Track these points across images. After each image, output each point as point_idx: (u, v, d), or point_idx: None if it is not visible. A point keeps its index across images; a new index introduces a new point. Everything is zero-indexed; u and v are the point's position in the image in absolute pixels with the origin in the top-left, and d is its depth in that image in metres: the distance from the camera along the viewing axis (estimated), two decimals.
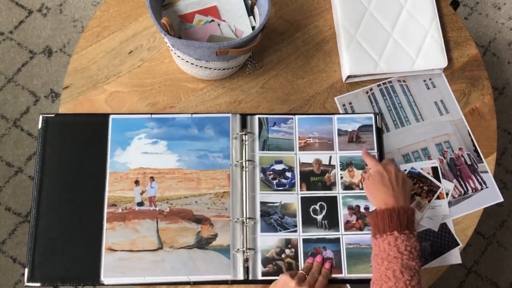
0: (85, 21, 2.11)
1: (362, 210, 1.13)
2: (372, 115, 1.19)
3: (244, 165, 1.14)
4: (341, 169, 1.16)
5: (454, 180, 1.18)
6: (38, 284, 1.08)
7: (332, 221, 1.12)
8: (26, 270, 1.08)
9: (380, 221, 1.01)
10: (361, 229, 1.12)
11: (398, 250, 0.97)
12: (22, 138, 1.99)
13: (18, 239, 1.90)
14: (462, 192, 1.18)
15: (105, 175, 1.13)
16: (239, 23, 1.18)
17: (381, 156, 1.17)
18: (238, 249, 1.09)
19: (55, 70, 2.06)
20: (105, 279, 1.07)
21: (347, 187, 1.14)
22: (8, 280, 1.87)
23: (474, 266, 1.96)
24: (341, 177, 1.15)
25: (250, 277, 1.08)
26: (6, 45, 2.08)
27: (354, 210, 1.13)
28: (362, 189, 1.14)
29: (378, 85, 1.25)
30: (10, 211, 1.92)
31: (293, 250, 1.10)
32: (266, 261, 1.09)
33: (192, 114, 1.17)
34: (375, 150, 1.17)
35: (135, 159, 1.14)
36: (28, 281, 1.07)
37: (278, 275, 1.05)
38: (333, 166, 1.16)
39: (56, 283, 1.08)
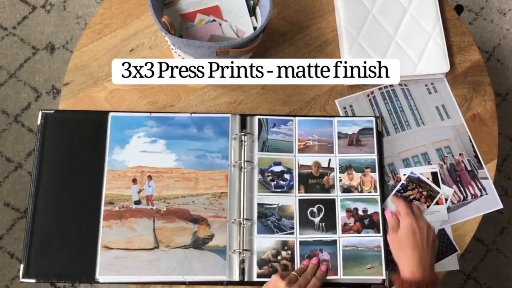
0: (88, 18, 2.11)
1: (360, 212, 1.12)
2: (372, 118, 1.19)
3: (242, 166, 1.13)
4: (340, 172, 1.15)
5: (454, 186, 1.18)
6: (33, 280, 1.07)
7: (329, 224, 1.12)
8: (22, 266, 1.07)
9: None
10: (358, 231, 1.11)
11: None
12: (22, 133, 1.99)
13: (16, 234, 1.90)
14: (462, 198, 1.17)
15: (103, 172, 1.12)
16: (241, 23, 1.17)
17: (381, 160, 1.16)
18: (234, 250, 1.08)
19: (57, 66, 2.06)
20: (100, 277, 1.07)
21: (346, 189, 1.14)
22: (5, 276, 1.87)
23: (473, 273, 1.95)
24: (340, 180, 1.15)
25: (246, 279, 1.08)
26: (9, 41, 2.08)
27: (352, 212, 1.12)
28: (360, 191, 1.14)
29: (379, 89, 1.24)
30: (9, 206, 1.93)
31: (289, 252, 1.10)
32: (262, 263, 1.09)
33: (191, 113, 1.17)
34: (375, 154, 1.16)
35: (133, 157, 1.13)
36: (24, 277, 1.07)
37: None
38: (332, 169, 1.15)
39: (52, 279, 1.08)
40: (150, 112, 1.17)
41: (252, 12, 1.18)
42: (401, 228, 1.05)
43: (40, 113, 1.16)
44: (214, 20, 1.17)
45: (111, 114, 1.16)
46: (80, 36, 1.26)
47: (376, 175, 1.15)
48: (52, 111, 1.16)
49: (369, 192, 1.13)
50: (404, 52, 1.24)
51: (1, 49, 2.07)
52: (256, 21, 1.18)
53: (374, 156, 1.16)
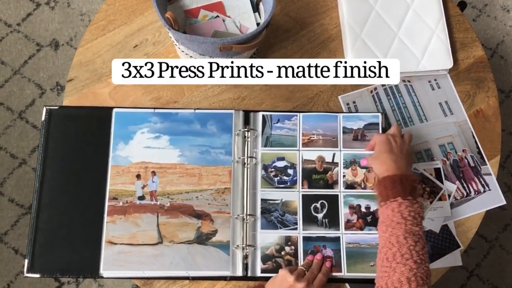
0: (92, 14, 2.12)
1: (363, 209, 1.13)
2: (379, 114, 1.19)
3: (246, 161, 1.14)
4: (344, 167, 1.15)
5: (457, 182, 1.18)
6: (37, 275, 1.08)
7: (332, 220, 1.12)
8: (26, 261, 1.08)
9: (383, 188, 1.01)
10: (361, 228, 1.11)
11: (401, 215, 0.96)
12: (26, 130, 2.00)
13: (20, 230, 1.91)
14: (465, 194, 1.17)
15: (107, 168, 1.13)
16: (244, 19, 1.18)
17: None
18: (237, 246, 1.09)
19: (61, 63, 2.07)
20: (104, 272, 1.07)
21: (349, 186, 1.14)
22: (9, 271, 1.88)
23: (476, 269, 1.95)
24: (344, 176, 1.15)
25: (249, 274, 1.08)
26: (14, 37, 2.09)
27: (355, 209, 1.12)
28: (364, 188, 1.14)
29: (383, 85, 1.24)
30: (13, 202, 1.93)
31: (293, 247, 1.10)
32: (265, 258, 1.09)
33: (195, 109, 1.17)
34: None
35: (137, 153, 1.14)
36: (28, 272, 1.08)
37: (277, 272, 1.05)
38: (336, 164, 1.15)
39: (56, 274, 1.08)
40: (154, 108, 1.17)
41: (255, 8, 1.18)
42: (377, 143, 1.10)
43: (44, 109, 1.16)
44: (217, 16, 1.17)
45: (115, 110, 1.16)
46: (84, 33, 1.27)
47: None
48: (56, 107, 1.16)
49: (373, 189, 1.14)
50: (407, 48, 1.24)
51: (6, 46, 2.08)
52: (260, 17, 1.18)
53: None
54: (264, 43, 1.23)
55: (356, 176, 1.15)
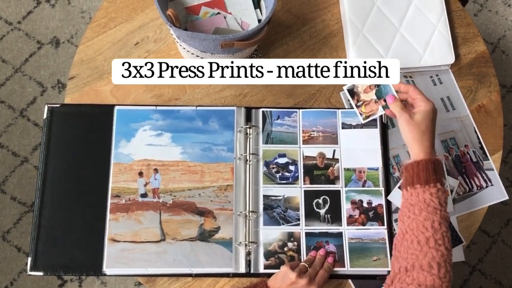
0: (93, 12, 2.12)
1: (365, 204, 1.13)
2: None
3: (248, 158, 1.14)
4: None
5: (459, 177, 1.18)
6: (40, 273, 1.08)
7: (335, 215, 1.12)
8: (29, 259, 1.08)
9: (423, 171, 0.98)
10: (363, 223, 1.11)
11: (439, 201, 0.96)
12: (28, 128, 2.00)
13: (23, 228, 1.92)
14: (467, 189, 1.17)
15: (109, 166, 1.13)
16: (245, 16, 1.17)
17: (386, 153, 1.16)
18: (240, 242, 1.09)
19: (62, 60, 2.07)
20: (107, 269, 1.07)
21: (349, 91, 1.13)
22: (12, 269, 1.89)
23: (478, 264, 1.95)
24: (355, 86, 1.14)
25: (252, 270, 1.08)
26: (14, 35, 2.09)
27: (357, 204, 1.13)
28: (357, 104, 1.13)
29: None
30: (16, 200, 1.94)
31: (295, 243, 1.10)
32: (268, 254, 1.09)
33: (197, 106, 1.17)
34: (379, 145, 1.16)
35: (139, 150, 1.14)
36: (31, 270, 1.08)
37: (279, 268, 1.05)
38: (337, 160, 1.15)
39: (59, 272, 1.08)
40: (156, 106, 1.17)
41: (256, 4, 1.18)
42: (424, 111, 1.02)
43: (46, 107, 1.16)
44: (218, 13, 1.17)
45: (116, 107, 1.16)
46: (85, 30, 1.27)
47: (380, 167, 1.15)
48: (58, 105, 1.16)
49: (361, 114, 1.13)
50: (409, 43, 1.23)
51: (7, 44, 2.08)
52: (261, 13, 1.18)
53: (378, 148, 1.16)
54: (266, 39, 1.23)
55: (364, 94, 1.13)
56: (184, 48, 1.10)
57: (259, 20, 1.17)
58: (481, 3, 2.22)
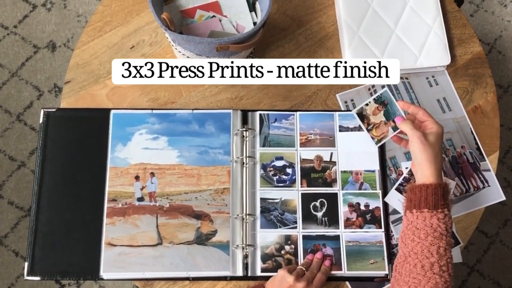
0: (89, 16, 2.12)
1: (362, 207, 1.12)
2: None
3: (244, 161, 1.14)
4: (375, 101, 1.13)
5: (456, 178, 1.18)
6: (38, 278, 1.08)
7: (332, 218, 1.12)
8: (26, 264, 1.08)
9: (432, 195, 0.95)
10: (361, 226, 1.11)
11: (445, 227, 0.94)
12: (25, 132, 2.00)
13: (20, 233, 1.91)
14: (464, 190, 1.17)
15: (105, 170, 1.13)
16: (241, 19, 1.17)
17: (383, 155, 1.16)
18: (237, 245, 1.09)
19: (58, 64, 2.07)
20: (104, 274, 1.07)
21: (359, 115, 1.14)
22: (10, 274, 1.88)
23: (477, 265, 1.95)
24: (367, 106, 1.13)
25: (249, 274, 1.08)
26: (10, 40, 2.09)
27: (354, 207, 1.12)
28: (368, 128, 1.13)
29: None
30: (13, 205, 1.93)
31: (292, 246, 1.10)
32: (265, 257, 1.09)
33: (193, 110, 1.17)
34: (377, 148, 1.16)
35: (135, 154, 1.14)
36: (28, 274, 1.08)
37: (277, 272, 1.05)
38: (334, 163, 1.15)
39: (56, 277, 1.08)
40: (152, 109, 1.17)
41: (252, 7, 1.18)
42: (436, 133, 0.99)
43: (42, 111, 1.16)
44: (214, 16, 1.17)
45: (112, 111, 1.16)
46: (81, 34, 1.27)
47: (377, 169, 1.15)
48: (54, 109, 1.16)
49: (373, 138, 1.13)
50: (404, 45, 1.23)
51: (3, 48, 2.08)
52: (256, 16, 1.18)
53: (375, 149, 1.16)
54: (261, 42, 1.23)
55: (373, 116, 1.12)
56: (180, 52, 1.10)
57: (255, 23, 1.17)
58: (477, 4, 2.22)
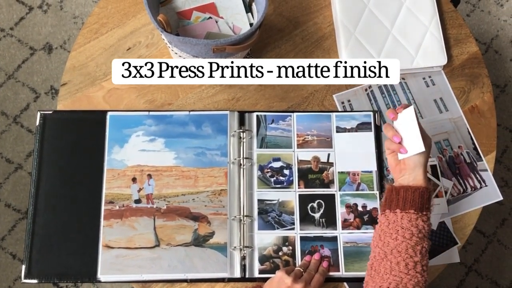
0: (85, 17, 2.11)
1: (359, 208, 1.12)
2: (370, 113, 1.19)
3: (241, 162, 1.14)
4: None
5: (453, 179, 1.18)
6: (35, 281, 1.07)
7: (329, 219, 1.12)
8: (23, 267, 1.07)
9: (419, 198, 0.98)
10: (358, 227, 1.11)
11: (428, 230, 0.97)
12: (22, 134, 1.99)
13: (18, 235, 1.91)
14: (461, 190, 1.17)
15: (102, 172, 1.12)
16: (237, 20, 1.17)
17: (380, 156, 1.16)
18: (235, 247, 1.09)
19: (55, 66, 2.06)
20: (102, 276, 1.07)
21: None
22: (8, 276, 1.88)
23: (474, 265, 1.95)
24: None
25: (247, 275, 1.08)
26: (7, 42, 2.08)
27: (351, 208, 1.12)
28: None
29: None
30: (10, 207, 1.93)
31: (290, 247, 1.10)
32: (263, 259, 1.09)
33: (190, 111, 1.17)
34: (374, 148, 1.16)
35: (132, 156, 1.14)
36: (26, 277, 1.07)
37: (275, 273, 1.05)
38: (332, 164, 1.15)
39: (53, 280, 1.08)
40: (148, 111, 1.17)
41: (248, 8, 1.18)
42: (428, 144, 1.01)
43: (38, 113, 1.16)
44: (210, 18, 1.17)
45: (109, 113, 1.16)
46: (77, 36, 1.26)
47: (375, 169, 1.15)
48: (51, 112, 1.16)
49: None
50: (401, 45, 1.23)
51: None
52: (253, 17, 1.18)
53: (372, 150, 1.16)
54: (258, 43, 1.23)
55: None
56: (176, 53, 1.10)
57: (251, 24, 1.17)
58: (473, 4, 2.22)
